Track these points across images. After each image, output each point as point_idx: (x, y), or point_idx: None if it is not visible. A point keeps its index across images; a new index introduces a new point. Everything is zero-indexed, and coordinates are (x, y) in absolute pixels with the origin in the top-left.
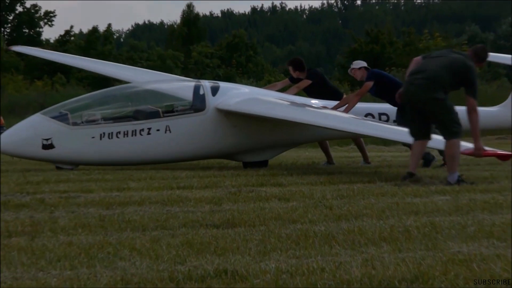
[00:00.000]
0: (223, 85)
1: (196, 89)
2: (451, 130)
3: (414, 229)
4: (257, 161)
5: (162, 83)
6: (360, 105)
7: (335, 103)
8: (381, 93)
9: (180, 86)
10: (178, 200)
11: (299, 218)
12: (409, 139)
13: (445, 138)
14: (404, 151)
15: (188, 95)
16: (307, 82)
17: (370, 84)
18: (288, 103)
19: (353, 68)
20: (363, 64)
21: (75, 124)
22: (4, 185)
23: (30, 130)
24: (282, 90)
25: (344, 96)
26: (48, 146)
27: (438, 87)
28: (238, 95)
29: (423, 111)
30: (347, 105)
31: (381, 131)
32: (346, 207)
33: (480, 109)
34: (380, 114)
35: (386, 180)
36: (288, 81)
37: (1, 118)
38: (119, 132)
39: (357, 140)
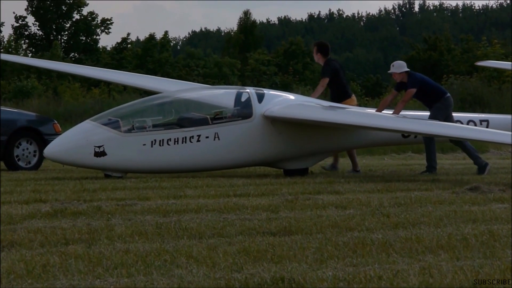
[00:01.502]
0: (268, 92)
1: (238, 96)
2: None
3: (472, 237)
4: (298, 168)
5: (204, 90)
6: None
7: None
8: (421, 96)
9: (221, 93)
10: (235, 208)
11: (356, 226)
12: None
13: None
14: (461, 159)
15: (230, 102)
16: (326, 81)
17: (413, 91)
18: (342, 108)
19: (394, 72)
20: (404, 68)
21: (126, 131)
22: (61, 193)
23: (81, 138)
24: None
25: (353, 96)
26: (100, 154)
27: None
28: (283, 102)
29: None
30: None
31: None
32: (404, 215)
33: None
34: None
35: (444, 188)
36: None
37: (58, 125)
38: (170, 139)
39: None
